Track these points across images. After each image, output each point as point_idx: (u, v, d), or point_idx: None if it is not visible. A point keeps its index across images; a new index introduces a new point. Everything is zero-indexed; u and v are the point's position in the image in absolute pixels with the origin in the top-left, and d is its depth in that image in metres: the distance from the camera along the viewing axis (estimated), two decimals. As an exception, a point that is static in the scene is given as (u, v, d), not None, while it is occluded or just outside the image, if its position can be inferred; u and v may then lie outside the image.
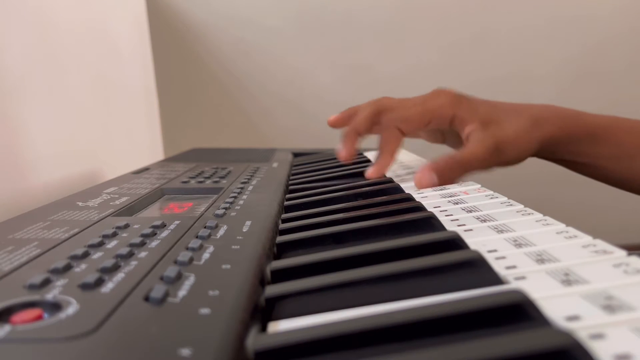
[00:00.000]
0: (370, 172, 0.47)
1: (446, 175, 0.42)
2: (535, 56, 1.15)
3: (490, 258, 0.22)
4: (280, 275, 0.24)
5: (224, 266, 0.23)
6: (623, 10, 1.13)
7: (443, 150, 0.47)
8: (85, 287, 0.20)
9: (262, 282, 0.23)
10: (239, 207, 0.36)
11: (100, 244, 0.26)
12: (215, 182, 0.47)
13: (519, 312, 0.17)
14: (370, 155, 0.63)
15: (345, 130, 0.48)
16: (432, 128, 0.47)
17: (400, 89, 1.13)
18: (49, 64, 0.63)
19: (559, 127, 0.46)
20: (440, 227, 0.29)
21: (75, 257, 0.24)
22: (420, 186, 0.42)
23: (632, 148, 0.48)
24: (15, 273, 0.22)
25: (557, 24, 1.14)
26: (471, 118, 0.45)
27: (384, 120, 0.47)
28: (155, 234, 0.29)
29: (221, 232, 0.29)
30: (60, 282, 0.21)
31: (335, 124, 0.51)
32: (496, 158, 0.44)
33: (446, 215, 0.31)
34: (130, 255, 0.24)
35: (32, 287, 0.20)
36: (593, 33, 1.14)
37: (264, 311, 0.21)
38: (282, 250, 0.29)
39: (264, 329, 0.20)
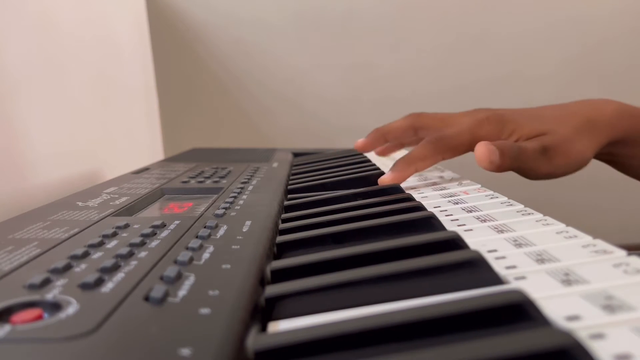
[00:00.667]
0: (387, 178, 0.42)
1: (506, 154, 0.39)
2: (535, 56, 1.15)
3: (490, 258, 0.22)
4: (280, 275, 0.24)
5: (224, 266, 0.23)
6: (623, 10, 1.13)
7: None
8: (85, 287, 0.20)
9: (262, 282, 0.23)
10: (239, 207, 0.36)
11: (100, 244, 0.26)
12: (215, 182, 0.47)
13: (519, 312, 0.17)
14: (371, 155, 0.63)
15: (373, 130, 0.48)
16: None
17: (400, 89, 1.13)
18: (49, 64, 0.63)
19: (611, 133, 0.44)
20: (440, 227, 0.29)
21: (75, 257, 0.24)
22: (485, 161, 0.39)
23: None
24: (15, 273, 0.22)
25: (556, 25, 1.14)
26: (519, 139, 0.43)
27: (423, 136, 0.46)
28: (155, 233, 0.29)
29: (221, 232, 0.29)
30: (60, 282, 0.21)
31: (364, 148, 0.51)
32: (546, 161, 0.42)
33: (446, 215, 0.31)
34: (130, 255, 0.24)
35: (32, 287, 0.20)
36: (593, 33, 1.14)
37: (264, 311, 0.21)
38: (282, 250, 0.29)
39: (264, 329, 0.20)
